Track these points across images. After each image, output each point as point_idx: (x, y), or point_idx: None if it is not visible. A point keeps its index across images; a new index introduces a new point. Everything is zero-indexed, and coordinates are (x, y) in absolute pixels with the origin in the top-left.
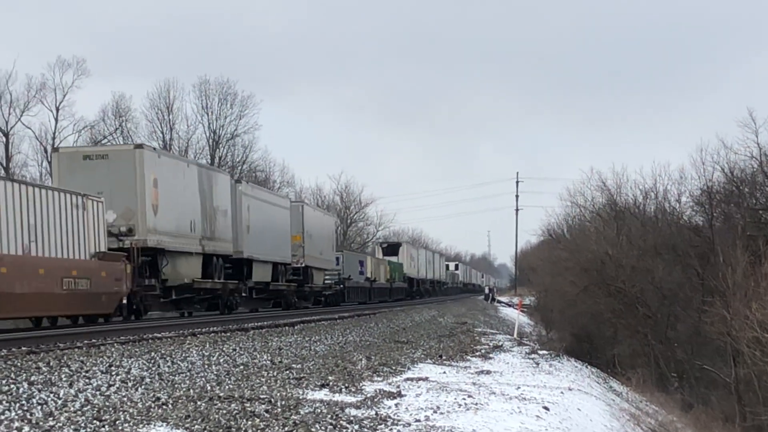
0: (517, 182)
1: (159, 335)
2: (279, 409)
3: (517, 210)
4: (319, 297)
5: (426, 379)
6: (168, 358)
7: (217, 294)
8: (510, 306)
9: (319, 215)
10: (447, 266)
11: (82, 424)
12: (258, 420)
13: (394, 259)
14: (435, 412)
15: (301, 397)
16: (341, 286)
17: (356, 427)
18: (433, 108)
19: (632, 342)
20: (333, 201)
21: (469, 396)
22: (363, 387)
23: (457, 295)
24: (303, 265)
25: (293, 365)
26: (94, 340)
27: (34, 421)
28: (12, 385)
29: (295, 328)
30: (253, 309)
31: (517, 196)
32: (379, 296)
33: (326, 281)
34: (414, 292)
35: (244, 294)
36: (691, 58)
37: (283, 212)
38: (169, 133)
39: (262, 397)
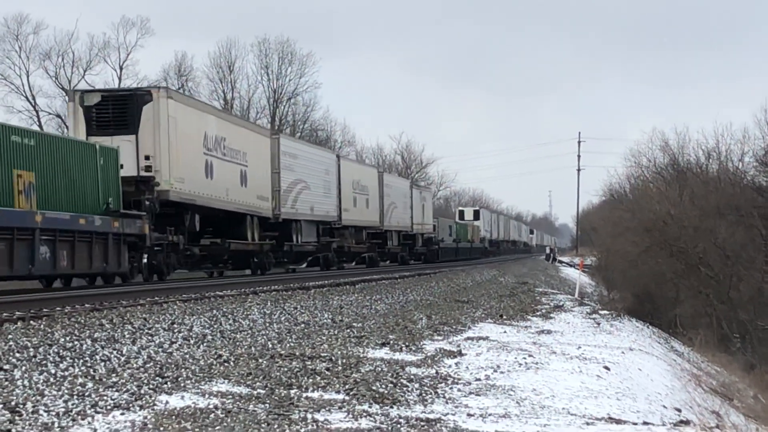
0: (579, 142)
1: (221, 293)
2: (340, 368)
3: (578, 170)
4: None
5: (486, 338)
6: (230, 316)
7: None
8: (571, 266)
9: None
10: (461, 213)
11: (145, 381)
12: (319, 378)
13: None
14: (495, 371)
15: (361, 356)
16: None
17: (416, 385)
18: (494, 66)
19: (694, 302)
20: (394, 160)
21: (530, 355)
22: (423, 346)
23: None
24: None
25: (354, 324)
26: (156, 298)
27: (97, 378)
28: (76, 342)
29: (356, 287)
30: None
31: (579, 156)
32: None
33: None
34: None
35: None
36: (755, 16)
37: None
38: (230, 93)
39: (323, 355)
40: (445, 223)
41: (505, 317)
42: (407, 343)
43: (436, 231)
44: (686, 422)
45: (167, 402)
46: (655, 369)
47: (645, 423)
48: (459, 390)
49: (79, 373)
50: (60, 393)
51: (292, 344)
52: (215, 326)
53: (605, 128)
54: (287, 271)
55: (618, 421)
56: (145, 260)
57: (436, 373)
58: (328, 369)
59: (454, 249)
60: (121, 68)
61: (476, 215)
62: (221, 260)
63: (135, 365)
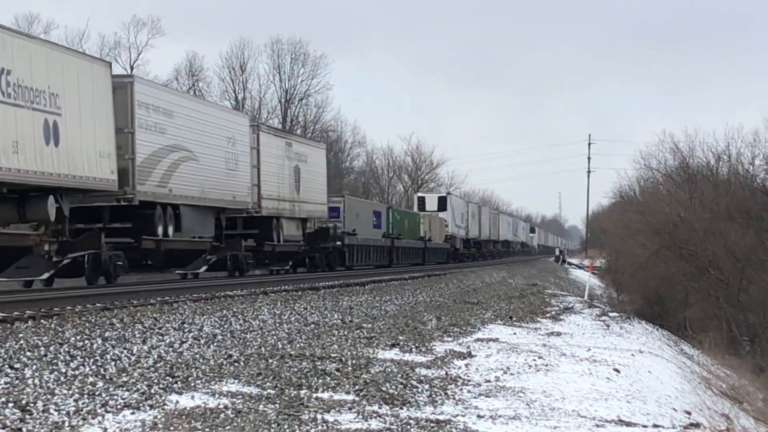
0: (589, 144)
1: (231, 293)
2: (350, 368)
3: (588, 172)
4: None
5: (496, 340)
6: (240, 316)
7: None
8: (581, 268)
9: None
10: (421, 201)
11: (155, 380)
12: (329, 378)
13: None
14: (505, 372)
15: (371, 357)
16: None
17: (426, 386)
18: (505, 67)
19: (704, 305)
20: (404, 161)
21: (540, 357)
22: (433, 347)
23: None
24: None
25: (364, 324)
26: (167, 298)
27: (108, 377)
28: (86, 341)
29: (366, 288)
30: None
31: (589, 158)
32: None
33: None
34: None
35: None
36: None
37: None
38: (242, 93)
39: (332, 355)
40: (364, 207)
41: (514, 319)
42: (417, 344)
43: (341, 217)
44: (696, 425)
45: (177, 402)
46: (665, 372)
47: (655, 426)
48: (469, 391)
49: (90, 372)
50: (70, 392)
51: (302, 344)
52: (225, 326)
53: (614, 129)
54: None
55: (628, 424)
56: None
57: (446, 374)
58: (338, 369)
59: (385, 249)
60: (132, 68)
61: (442, 204)
62: None
63: (145, 365)
